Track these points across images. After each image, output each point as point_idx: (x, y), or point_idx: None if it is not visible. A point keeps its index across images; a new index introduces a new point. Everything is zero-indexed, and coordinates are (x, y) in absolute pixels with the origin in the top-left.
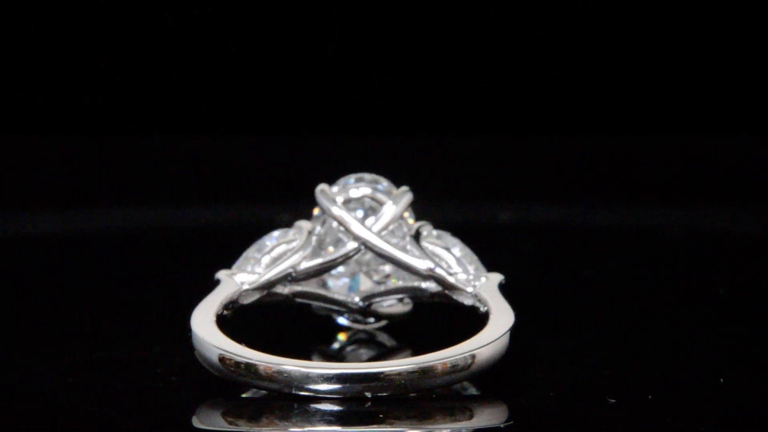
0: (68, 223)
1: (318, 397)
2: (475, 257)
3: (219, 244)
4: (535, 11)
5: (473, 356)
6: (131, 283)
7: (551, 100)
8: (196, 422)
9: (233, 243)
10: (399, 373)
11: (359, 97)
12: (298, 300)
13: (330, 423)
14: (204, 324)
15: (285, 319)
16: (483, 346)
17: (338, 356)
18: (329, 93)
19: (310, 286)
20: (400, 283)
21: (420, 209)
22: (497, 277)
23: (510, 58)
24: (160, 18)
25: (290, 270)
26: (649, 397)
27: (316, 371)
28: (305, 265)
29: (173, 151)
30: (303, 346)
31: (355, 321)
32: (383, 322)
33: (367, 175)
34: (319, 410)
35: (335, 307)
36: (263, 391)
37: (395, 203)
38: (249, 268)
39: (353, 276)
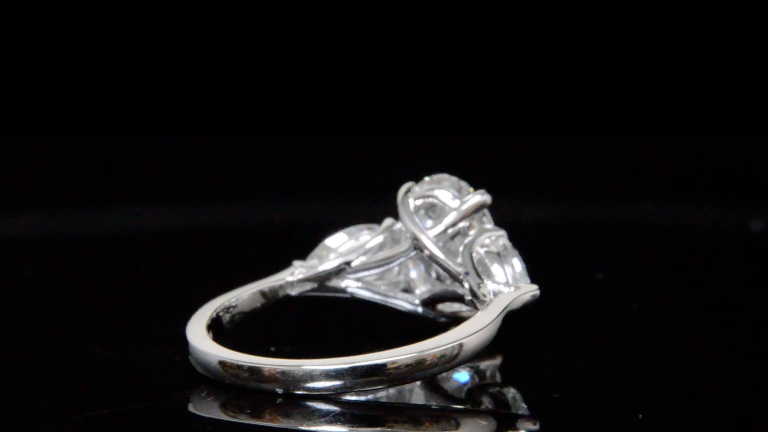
0: (72, 224)
1: (323, 395)
2: (522, 272)
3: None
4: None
5: (461, 345)
6: (174, 278)
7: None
8: (192, 409)
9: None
10: (398, 366)
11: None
12: (354, 296)
13: (331, 422)
14: (197, 331)
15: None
16: (471, 335)
17: None
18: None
19: (378, 283)
20: (457, 289)
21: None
22: (527, 289)
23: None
24: (160, 18)
25: (343, 264)
26: (640, 416)
27: (319, 368)
28: (360, 260)
29: (223, 151)
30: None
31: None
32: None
33: (446, 177)
34: (317, 409)
35: (402, 308)
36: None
37: (460, 207)
38: (317, 259)
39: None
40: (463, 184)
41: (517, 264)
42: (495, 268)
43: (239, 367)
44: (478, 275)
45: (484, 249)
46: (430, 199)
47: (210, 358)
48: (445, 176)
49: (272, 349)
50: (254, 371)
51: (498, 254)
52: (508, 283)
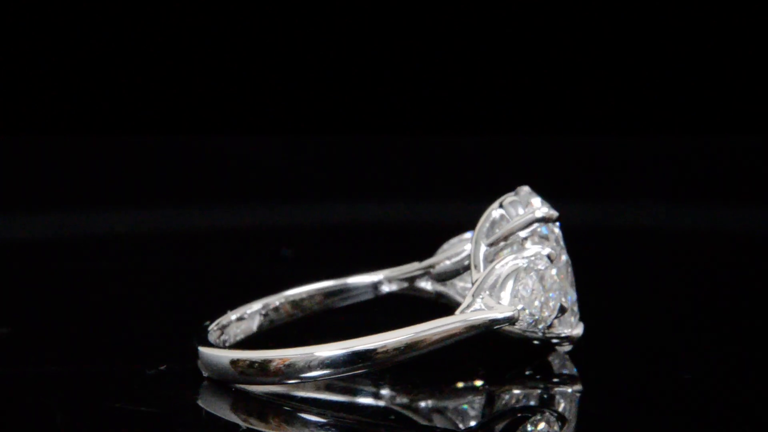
0: (80, 226)
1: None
2: (525, 295)
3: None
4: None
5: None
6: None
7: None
8: (201, 403)
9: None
10: (387, 350)
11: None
12: (438, 299)
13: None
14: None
15: None
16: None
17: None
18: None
19: (456, 289)
20: None
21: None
22: (502, 309)
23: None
24: (162, 18)
25: (428, 268)
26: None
27: (321, 354)
28: (443, 264)
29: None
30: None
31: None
32: (568, 346)
33: (527, 191)
34: (314, 422)
35: None
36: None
37: (515, 220)
38: (431, 259)
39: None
40: (536, 198)
41: (527, 286)
42: (507, 285)
43: (250, 363)
44: (483, 287)
45: (514, 265)
46: (505, 211)
47: (220, 359)
48: (526, 190)
49: None
50: (263, 365)
51: (517, 272)
52: (510, 302)
